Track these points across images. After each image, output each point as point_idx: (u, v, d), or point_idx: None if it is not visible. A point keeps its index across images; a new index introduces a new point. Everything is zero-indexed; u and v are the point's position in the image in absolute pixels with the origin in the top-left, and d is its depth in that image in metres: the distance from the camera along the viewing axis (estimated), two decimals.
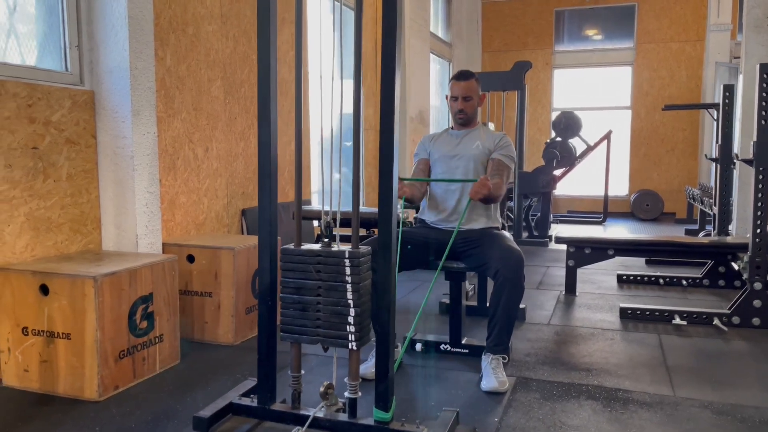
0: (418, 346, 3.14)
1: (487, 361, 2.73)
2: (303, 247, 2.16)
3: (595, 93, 10.39)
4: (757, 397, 2.59)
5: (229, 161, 4.17)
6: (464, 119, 3.11)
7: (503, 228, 3.15)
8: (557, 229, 8.33)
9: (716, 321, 3.61)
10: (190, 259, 3.27)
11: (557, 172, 9.27)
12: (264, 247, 2.22)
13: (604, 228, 8.60)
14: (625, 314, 3.84)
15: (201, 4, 3.83)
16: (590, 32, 10.42)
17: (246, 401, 2.30)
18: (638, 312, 3.82)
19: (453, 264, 2.96)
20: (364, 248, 2.12)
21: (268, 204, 2.21)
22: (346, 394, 2.16)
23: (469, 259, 2.87)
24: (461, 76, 3.12)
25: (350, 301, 2.09)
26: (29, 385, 2.63)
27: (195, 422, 2.20)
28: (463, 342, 3.10)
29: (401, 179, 2.83)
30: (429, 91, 8.31)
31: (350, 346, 2.11)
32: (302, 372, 2.27)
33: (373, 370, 2.74)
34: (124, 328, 2.64)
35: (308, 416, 2.18)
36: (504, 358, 2.77)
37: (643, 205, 9.68)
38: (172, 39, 3.56)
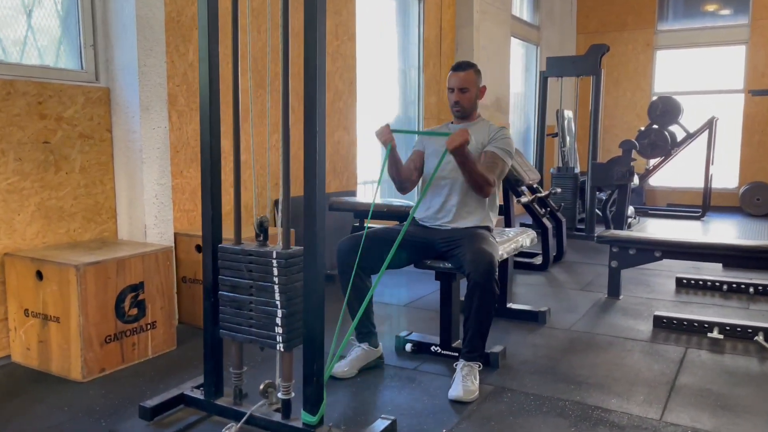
0: (408, 347, 3.05)
1: (459, 367, 2.60)
2: (238, 246, 2.16)
3: (701, 76, 9.52)
4: (758, 428, 2.28)
5: (261, 153, 4.25)
6: (461, 112, 2.97)
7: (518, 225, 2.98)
8: (648, 224, 7.78)
9: (759, 337, 3.21)
10: (199, 249, 3.38)
11: (653, 162, 8.68)
12: (207, 243, 2.24)
13: (703, 224, 7.91)
14: (660, 323, 3.52)
15: None
16: (699, 8, 9.54)
17: (197, 393, 2.36)
18: (674, 322, 3.48)
19: (439, 264, 2.85)
20: (296, 249, 2.09)
21: (210, 201, 2.23)
22: (279, 394, 2.15)
23: (452, 259, 2.74)
24: (459, 66, 2.98)
25: (278, 302, 2.08)
26: (30, 362, 2.86)
27: (140, 411, 2.28)
28: (453, 345, 2.98)
29: (389, 128, 2.79)
30: (509, 77, 8.01)
31: (278, 348, 2.10)
32: (244, 368, 2.29)
33: (345, 369, 2.73)
34: (110, 315, 2.78)
35: (245, 413, 2.19)
36: (479, 366, 2.63)
37: (754, 200, 8.78)
38: (195, 35, 3.67)
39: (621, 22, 9.87)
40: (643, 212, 8.61)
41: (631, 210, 7.08)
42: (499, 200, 3.04)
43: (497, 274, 2.56)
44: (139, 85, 3.21)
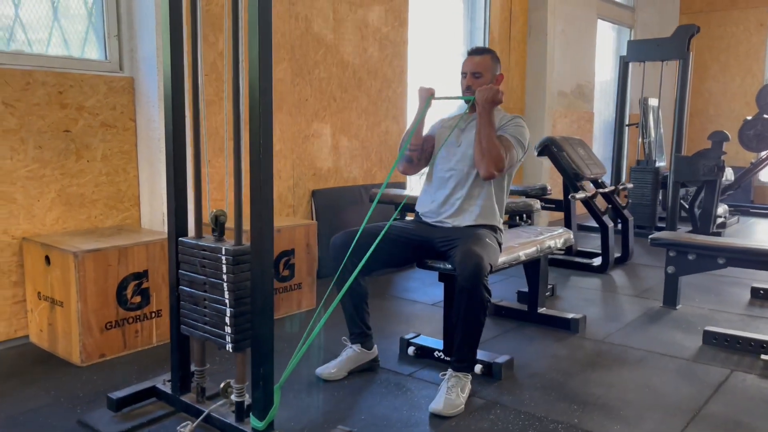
0: (411, 350, 2.88)
1: (445, 378, 2.40)
2: (194, 240, 2.09)
3: None
4: None
5: (298, 143, 4.19)
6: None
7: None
8: (750, 225, 7.04)
9: None
10: None
11: (764, 154, 7.80)
12: (170, 237, 2.19)
13: None
14: (710, 339, 3.12)
15: None
16: None
17: (167, 387, 2.33)
18: (726, 340, 3.07)
19: (440, 264, 2.65)
20: (246, 246, 1.99)
21: (173, 194, 2.17)
22: (233, 396, 2.07)
23: (449, 260, 2.54)
24: (475, 51, 2.77)
25: (227, 301, 1.99)
26: (42, 343, 2.96)
27: (108, 401, 2.28)
28: None
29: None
30: (593, 62, 7.49)
31: (227, 347, 2.01)
32: (207, 365, 2.23)
33: (333, 370, 2.62)
34: (111, 302, 2.82)
35: (203, 411, 2.14)
36: (468, 377, 2.41)
37: None
38: (225, 24, 3.66)
39: (730, 0, 8.96)
40: (745, 211, 7.80)
41: (723, 209, 6.41)
42: (506, 196, 2.79)
43: (487, 278, 2.33)
44: (158, 74, 3.23)
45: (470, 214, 2.65)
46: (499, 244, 2.65)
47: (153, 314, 2.98)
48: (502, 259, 2.75)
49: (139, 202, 3.42)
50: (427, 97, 2.73)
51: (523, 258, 2.91)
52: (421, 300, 3.83)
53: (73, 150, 3.13)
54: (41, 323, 2.94)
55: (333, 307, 2.14)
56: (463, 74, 2.76)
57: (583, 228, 6.24)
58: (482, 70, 2.71)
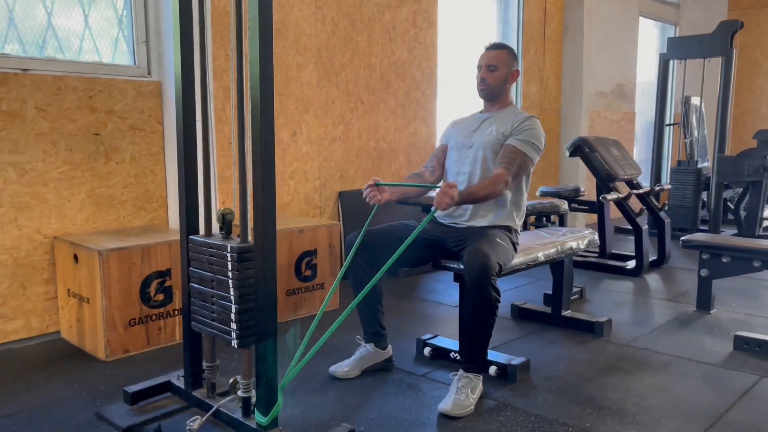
0: (427, 351, 2.87)
1: (455, 378, 2.38)
2: (203, 238, 2.14)
3: None
4: None
5: (324, 145, 4.23)
6: (486, 91, 2.72)
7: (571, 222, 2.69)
8: None
9: None
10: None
11: None
12: (182, 234, 2.25)
13: None
14: (741, 345, 3.00)
15: None
16: None
17: (180, 383, 2.38)
18: (759, 345, 2.95)
19: (453, 264, 2.64)
20: (252, 243, 2.02)
21: (185, 192, 2.22)
22: (239, 392, 2.10)
23: (461, 260, 2.52)
24: (492, 45, 2.76)
25: (232, 298, 2.02)
26: (72, 339, 3.07)
27: (124, 395, 2.34)
28: None
29: (376, 183, 2.59)
30: (635, 61, 7.32)
31: (233, 344, 2.04)
32: (217, 362, 2.27)
33: (346, 369, 2.63)
34: (135, 299, 2.91)
35: (212, 406, 2.18)
36: (479, 378, 2.39)
37: None
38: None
39: None
40: None
41: None
42: (525, 196, 2.75)
43: (495, 277, 2.30)
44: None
45: (484, 216, 2.63)
46: (513, 244, 2.62)
47: (176, 312, 3.05)
48: (519, 259, 2.71)
49: (166, 203, 3.51)
50: (374, 204, 2.58)
51: (543, 259, 2.86)
52: (445, 302, 3.81)
53: (102, 152, 3.24)
54: (71, 319, 3.05)
55: (349, 311, 2.14)
56: (479, 67, 2.75)
57: (621, 231, 6.10)
58: (497, 63, 2.69)
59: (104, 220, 3.28)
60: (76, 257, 2.94)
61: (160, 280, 2.98)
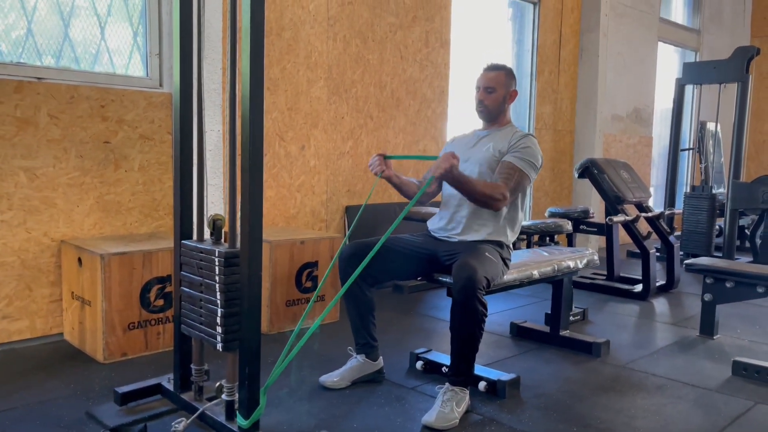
0: (419, 365, 2.87)
1: (441, 391, 2.39)
2: (194, 243, 2.19)
3: None
4: None
5: (332, 159, 4.29)
6: (484, 112, 2.75)
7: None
8: None
9: None
10: None
11: None
12: (176, 239, 2.30)
13: None
14: (739, 370, 2.96)
15: (301, 9, 4.02)
16: None
17: (170, 385, 2.42)
18: (757, 371, 2.90)
19: (445, 278, 2.65)
20: (239, 249, 2.07)
21: (179, 198, 2.28)
22: (223, 396, 2.14)
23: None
24: (489, 67, 2.78)
25: (218, 302, 2.07)
26: (74, 341, 3.14)
27: (114, 395, 2.39)
28: None
29: (383, 155, 2.68)
30: (653, 86, 7.30)
31: (218, 347, 2.08)
32: (205, 365, 2.31)
33: (336, 379, 2.65)
34: (135, 303, 2.97)
35: (198, 409, 2.21)
36: (465, 392, 2.39)
37: None
38: (267, 40, 3.82)
39: None
40: None
41: None
42: (521, 213, 2.76)
43: (481, 291, 2.31)
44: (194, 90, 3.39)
45: (477, 231, 2.65)
46: (504, 260, 2.63)
47: None
48: (513, 276, 2.72)
49: (173, 212, 3.58)
50: (377, 173, 2.67)
51: (537, 276, 2.86)
52: (445, 318, 3.79)
53: (111, 160, 3.33)
54: (73, 321, 3.12)
55: (322, 317, 2.18)
56: (477, 88, 2.78)
57: (633, 254, 6.04)
58: (495, 85, 2.73)
59: (111, 226, 3.36)
60: (80, 261, 3.01)
61: (160, 285, 3.04)
